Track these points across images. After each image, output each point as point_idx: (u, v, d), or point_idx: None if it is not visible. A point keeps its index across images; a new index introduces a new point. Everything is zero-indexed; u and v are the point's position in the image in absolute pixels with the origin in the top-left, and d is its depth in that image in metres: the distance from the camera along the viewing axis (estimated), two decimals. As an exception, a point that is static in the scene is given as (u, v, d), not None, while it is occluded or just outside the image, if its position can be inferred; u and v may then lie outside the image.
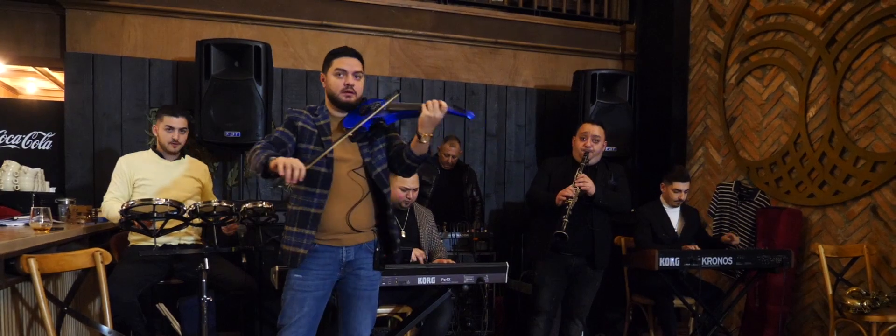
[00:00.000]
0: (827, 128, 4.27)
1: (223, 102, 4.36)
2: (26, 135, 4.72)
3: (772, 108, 4.68)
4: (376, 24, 5.25)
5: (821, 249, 3.81)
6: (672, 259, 3.60)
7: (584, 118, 5.07)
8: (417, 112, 2.44)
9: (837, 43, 4.24)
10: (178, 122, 3.54)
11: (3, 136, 4.68)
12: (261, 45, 4.44)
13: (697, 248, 3.95)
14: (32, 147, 4.72)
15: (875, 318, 3.49)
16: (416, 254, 3.47)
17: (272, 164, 2.27)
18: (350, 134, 2.46)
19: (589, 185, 3.43)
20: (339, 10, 5.16)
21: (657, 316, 4.01)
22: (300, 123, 2.54)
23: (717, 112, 5.10)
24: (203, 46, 4.38)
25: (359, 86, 2.56)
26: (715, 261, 3.67)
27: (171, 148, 3.54)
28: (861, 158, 4.06)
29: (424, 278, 3.24)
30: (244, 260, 3.41)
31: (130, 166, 3.49)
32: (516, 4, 5.68)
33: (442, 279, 3.27)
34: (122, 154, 3.64)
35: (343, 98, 2.54)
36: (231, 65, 4.46)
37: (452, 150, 4.81)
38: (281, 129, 2.56)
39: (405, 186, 3.69)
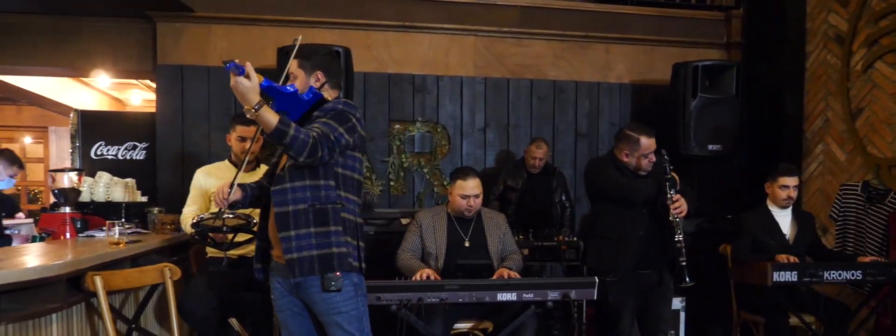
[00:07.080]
0: (977, 119, 3.68)
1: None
2: (122, 145, 4.88)
3: (906, 98, 4.10)
4: (459, 23, 5.06)
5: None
6: (788, 273, 3.18)
7: (684, 115, 4.65)
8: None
9: None
10: (250, 131, 3.50)
11: (101, 148, 4.86)
12: (340, 50, 4.35)
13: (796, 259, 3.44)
14: (127, 157, 4.87)
15: None
16: (502, 273, 3.21)
17: None
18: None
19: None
20: (422, 9, 5.01)
21: (770, 336, 3.57)
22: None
23: (840, 103, 4.54)
24: (283, 53, 4.34)
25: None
26: (840, 275, 3.21)
27: (243, 157, 3.49)
28: None
29: (505, 294, 3.00)
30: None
31: (206, 177, 3.48)
32: (608, -6, 5.33)
33: (524, 295, 3.02)
34: (210, 162, 3.64)
35: None
36: (311, 71, 4.40)
37: (539, 153, 4.54)
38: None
39: (464, 193, 3.33)
